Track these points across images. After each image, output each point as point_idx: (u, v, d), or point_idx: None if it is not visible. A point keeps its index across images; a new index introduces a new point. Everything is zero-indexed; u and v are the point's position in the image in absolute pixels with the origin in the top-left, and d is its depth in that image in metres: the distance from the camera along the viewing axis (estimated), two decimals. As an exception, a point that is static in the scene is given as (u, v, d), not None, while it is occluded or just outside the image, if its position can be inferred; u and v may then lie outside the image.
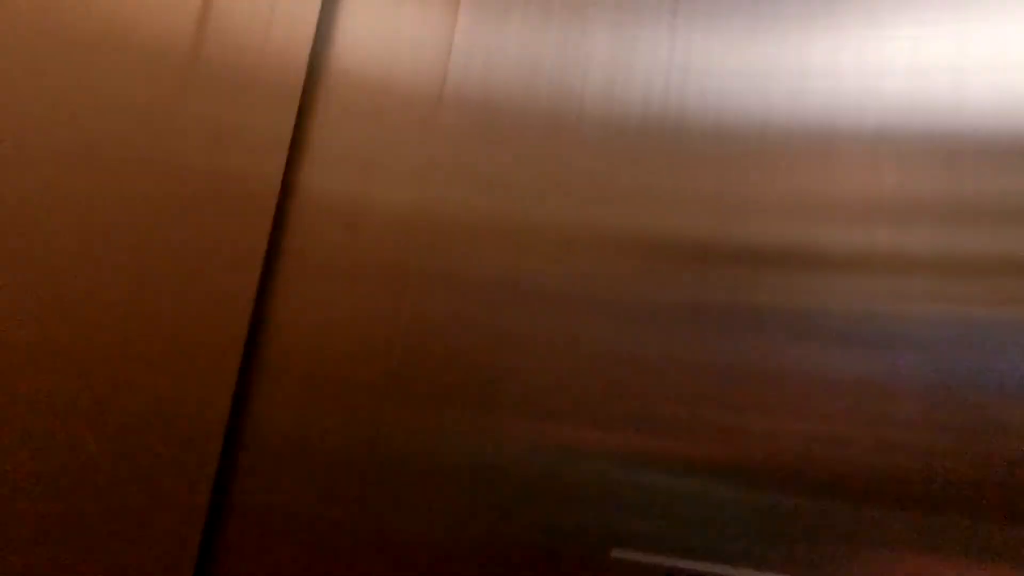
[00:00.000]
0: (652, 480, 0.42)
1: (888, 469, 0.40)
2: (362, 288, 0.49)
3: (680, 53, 0.48)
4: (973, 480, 0.39)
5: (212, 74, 0.53)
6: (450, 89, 0.51)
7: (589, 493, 0.43)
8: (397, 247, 0.50)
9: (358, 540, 0.46)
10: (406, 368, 0.47)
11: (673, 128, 0.47)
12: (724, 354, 0.43)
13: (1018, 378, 0.40)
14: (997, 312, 0.41)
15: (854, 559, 0.39)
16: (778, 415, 0.42)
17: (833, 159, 0.44)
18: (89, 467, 0.48)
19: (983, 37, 0.44)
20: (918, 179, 0.43)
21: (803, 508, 0.40)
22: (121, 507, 0.48)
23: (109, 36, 0.53)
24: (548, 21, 0.51)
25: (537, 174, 0.49)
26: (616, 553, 0.42)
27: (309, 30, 0.53)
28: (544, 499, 0.44)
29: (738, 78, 0.47)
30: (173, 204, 0.52)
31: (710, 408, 0.43)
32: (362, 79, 0.53)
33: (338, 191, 0.52)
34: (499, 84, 0.51)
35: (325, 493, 0.47)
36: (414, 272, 0.49)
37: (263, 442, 0.49)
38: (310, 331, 0.50)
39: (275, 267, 0.51)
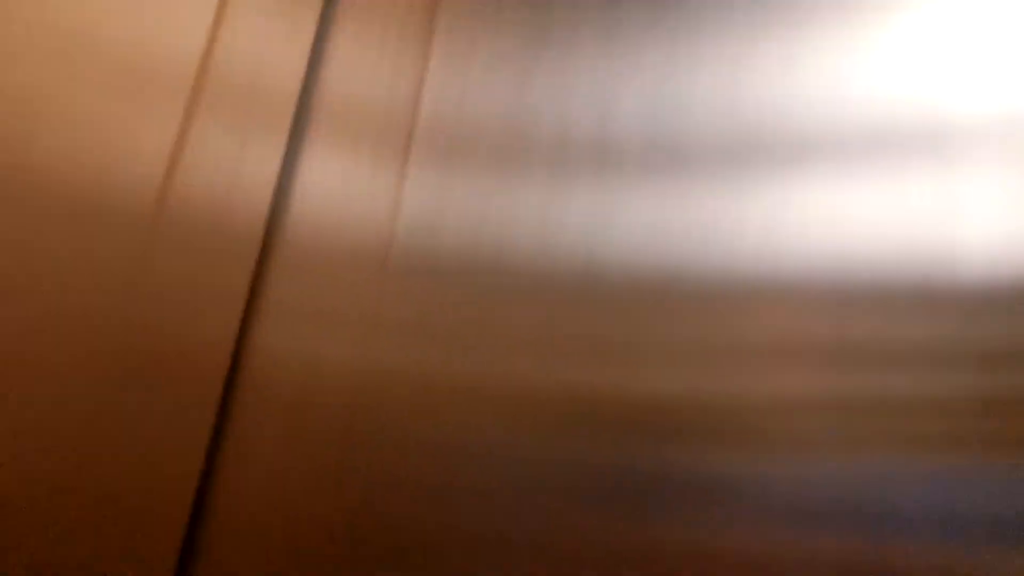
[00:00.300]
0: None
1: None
2: (312, 447, 0.50)
3: (605, 209, 0.53)
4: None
5: (173, 233, 0.55)
6: (398, 247, 0.55)
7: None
8: (346, 405, 0.51)
9: None
10: (355, 530, 0.48)
11: (601, 282, 0.51)
12: (645, 519, 0.45)
13: (932, 523, 0.42)
14: (909, 458, 0.44)
15: None
16: None
17: (739, 308, 0.48)
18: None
19: (863, 194, 0.50)
20: (820, 326, 0.47)
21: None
22: None
23: (74, 195, 0.56)
24: (486, 184, 0.56)
25: (477, 328, 0.52)
26: None
27: (268, 191, 0.57)
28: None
29: (658, 232, 0.52)
30: (128, 362, 0.52)
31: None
32: (316, 238, 0.56)
33: (290, 349, 0.54)
34: (443, 242, 0.55)
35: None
36: (363, 431, 0.50)
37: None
38: (259, 493, 0.50)
39: (226, 427, 0.52)
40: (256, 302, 0.55)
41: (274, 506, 0.49)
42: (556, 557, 0.45)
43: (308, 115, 0.58)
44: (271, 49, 0.58)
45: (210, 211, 0.56)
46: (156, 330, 0.53)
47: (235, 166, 0.57)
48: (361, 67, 0.59)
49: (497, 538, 0.46)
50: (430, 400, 0.50)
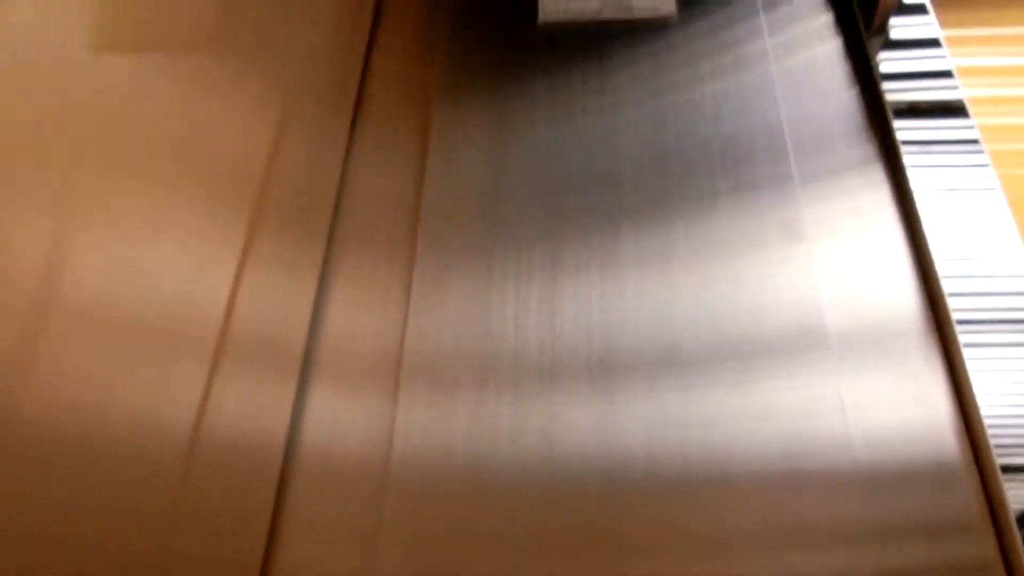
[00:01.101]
0: None
1: None
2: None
3: (559, 415, 0.64)
4: None
5: (205, 469, 0.66)
6: (395, 464, 0.65)
7: None
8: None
9: None
10: None
11: (569, 481, 0.61)
12: None
13: None
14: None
15: None
16: None
17: (683, 500, 0.58)
18: None
19: (769, 393, 0.61)
20: (750, 515, 0.57)
21: None
22: None
23: (114, 448, 0.66)
24: (464, 403, 0.67)
25: (469, 534, 0.61)
26: None
27: (283, 425, 0.68)
28: None
29: (607, 432, 0.63)
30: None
31: None
32: (326, 462, 0.67)
33: (308, 562, 0.63)
34: (433, 456, 0.65)
35: None
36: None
37: None
38: None
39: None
40: (278, 522, 0.65)
41: None
42: None
43: (313, 359, 0.70)
44: (280, 307, 0.71)
45: (236, 446, 0.67)
46: (193, 555, 0.63)
47: (255, 405, 0.68)
48: (354, 315, 0.71)
49: None
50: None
